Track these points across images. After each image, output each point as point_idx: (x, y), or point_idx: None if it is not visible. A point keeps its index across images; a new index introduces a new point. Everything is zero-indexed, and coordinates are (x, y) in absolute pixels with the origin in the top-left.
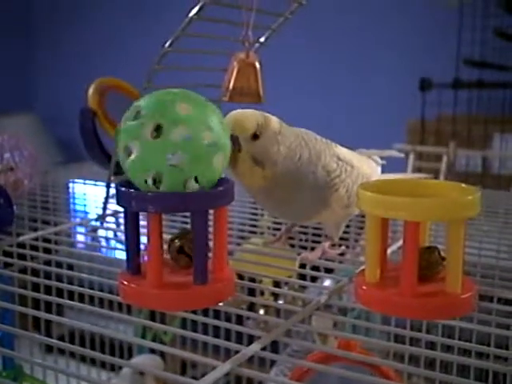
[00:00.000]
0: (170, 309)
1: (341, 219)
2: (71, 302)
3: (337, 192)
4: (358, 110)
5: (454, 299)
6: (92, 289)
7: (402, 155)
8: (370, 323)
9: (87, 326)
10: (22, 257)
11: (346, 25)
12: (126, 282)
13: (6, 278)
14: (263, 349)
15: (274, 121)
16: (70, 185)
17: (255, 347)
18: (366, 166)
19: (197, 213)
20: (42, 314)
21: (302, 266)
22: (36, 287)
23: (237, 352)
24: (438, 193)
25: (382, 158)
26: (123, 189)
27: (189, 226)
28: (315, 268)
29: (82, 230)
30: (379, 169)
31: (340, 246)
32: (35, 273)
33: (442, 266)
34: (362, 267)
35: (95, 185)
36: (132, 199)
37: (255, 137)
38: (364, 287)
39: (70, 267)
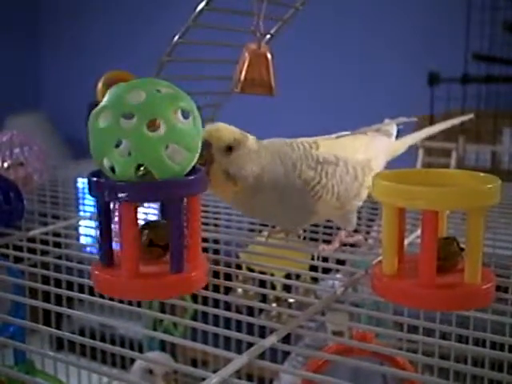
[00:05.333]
0: (147, 298)
1: (345, 213)
2: (82, 295)
3: (321, 199)
4: (366, 105)
5: (474, 290)
6: None
7: (414, 119)
8: (385, 314)
9: (98, 319)
10: (32, 251)
11: (353, 20)
12: (98, 272)
13: (17, 272)
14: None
15: (251, 139)
16: (80, 180)
17: (272, 339)
18: (363, 150)
19: (173, 201)
20: (53, 307)
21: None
22: (46, 281)
23: (250, 345)
24: (455, 182)
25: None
26: (95, 179)
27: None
28: (326, 261)
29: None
30: (391, 139)
31: (355, 233)
32: (45, 267)
33: (460, 257)
34: (379, 258)
35: None
36: (107, 189)
37: (229, 149)
38: (381, 278)
39: (79, 262)
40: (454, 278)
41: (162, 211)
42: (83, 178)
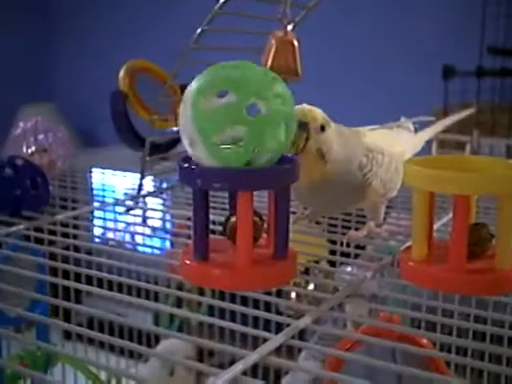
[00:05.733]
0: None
1: (378, 204)
2: (105, 274)
3: (371, 185)
4: (381, 98)
5: (505, 275)
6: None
7: (432, 118)
8: (415, 298)
9: (113, 317)
10: (64, 235)
11: (369, 13)
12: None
13: (41, 255)
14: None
15: (332, 122)
16: (96, 170)
17: (306, 320)
18: (397, 143)
19: (281, 189)
20: (84, 286)
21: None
22: (77, 263)
23: (265, 341)
24: (483, 168)
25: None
26: (219, 167)
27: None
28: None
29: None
30: (412, 134)
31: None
32: (76, 250)
33: (490, 243)
34: (407, 244)
35: (125, 170)
36: (233, 178)
37: (322, 129)
38: (411, 263)
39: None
40: (484, 264)
41: (231, 202)
42: (97, 167)
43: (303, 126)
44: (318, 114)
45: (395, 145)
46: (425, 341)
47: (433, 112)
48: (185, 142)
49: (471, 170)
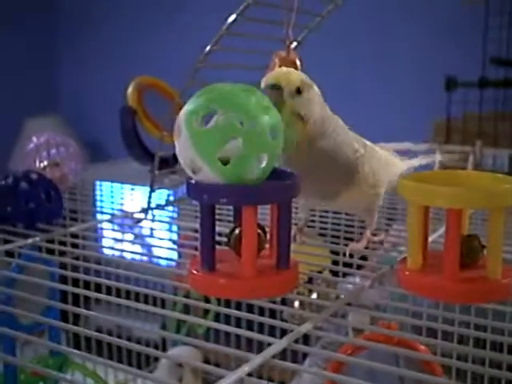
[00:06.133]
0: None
1: (371, 204)
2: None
3: (361, 171)
4: (384, 109)
5: (495, 284)
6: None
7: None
8: (410, 305)
9: (120, 322)
10: (74, 246)
11: (371, 24)
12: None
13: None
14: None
15: (315, 87)
16: (106, 183)
17: (308, 326)
18: (390, 156)
19: (284, 203)
20: (81, 291)
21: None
22: (87, 272)
23: (269, 345)
24: (476, 183)
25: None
26: (224, 184)
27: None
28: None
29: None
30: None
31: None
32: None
33: (482, 254)
34: (404, 255)
35: (133, 184)
36: (240, 193)
37: (298, 91)
38: (407, 272)
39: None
40: (476, 273)
41: (236, 215)
42: (106, 181)
43: (275, 90)
44: (295, 76)
45: (389, 155)
46: (422, 346)
47: (435, 123)
48: (187, 170)
49: (464, 184)
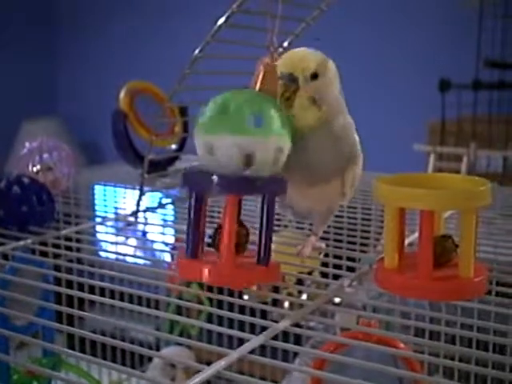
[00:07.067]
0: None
1: (335, 203)
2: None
3: (354, 168)
4: (378, 110)
5: (467, 282)
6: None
7: None
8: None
9: (116, 324)
10: (68, 248)
11: (365, 26)
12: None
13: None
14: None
15: (331, 63)
16: (99, 186)
17: (285, 323)
18: None
19: (270, 196)
20: (75, 293)
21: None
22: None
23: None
24: (449, 185)
25: None
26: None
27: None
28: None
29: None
30: None
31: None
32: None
33: (455, 253)
34: (382, 255)
35: (125, 187)
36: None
37: (314, 76)
38: (383, 272)
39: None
40: (449, 272)
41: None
42: (100, 184)
43: (293, 80)
44: (310, 61)
45: None
46: (401, 344)
47: (430, 125)
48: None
49: (437, 187)
